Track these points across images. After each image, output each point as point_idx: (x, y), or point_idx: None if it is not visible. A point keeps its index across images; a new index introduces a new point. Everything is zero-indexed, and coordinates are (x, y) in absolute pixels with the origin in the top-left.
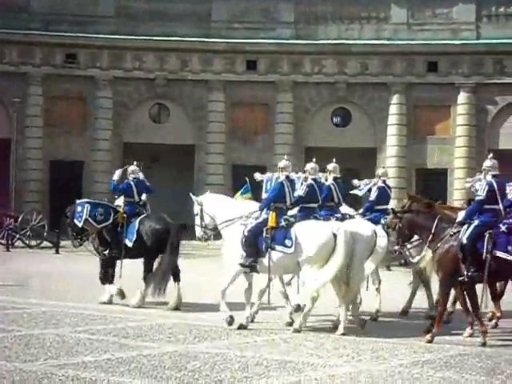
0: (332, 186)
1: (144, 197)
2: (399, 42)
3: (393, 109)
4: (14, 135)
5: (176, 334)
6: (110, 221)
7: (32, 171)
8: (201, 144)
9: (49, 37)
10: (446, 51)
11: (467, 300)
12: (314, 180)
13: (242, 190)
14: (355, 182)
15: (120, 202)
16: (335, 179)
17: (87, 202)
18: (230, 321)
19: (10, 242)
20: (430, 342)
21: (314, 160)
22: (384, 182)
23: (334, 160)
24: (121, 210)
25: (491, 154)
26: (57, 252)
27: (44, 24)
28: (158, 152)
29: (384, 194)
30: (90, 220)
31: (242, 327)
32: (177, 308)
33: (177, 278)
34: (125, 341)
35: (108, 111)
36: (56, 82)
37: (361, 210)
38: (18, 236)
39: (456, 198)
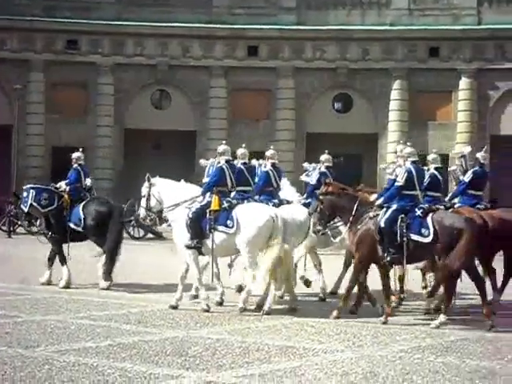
0: (270, 172)
1: (89, 181)
2: (401, 27)
3: (394, 94)
4: (15, 122)
5: (177, 319)
6: (55, 205)
7: (34, 158)
8: (202, 130)
9: (50, 23)
10: (448, 36)
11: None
12: (244, 164)
13: None
14: (305, 164)
15: (63, 184)
16: (327, 168)
17: (32, 188)
18: (207, 309)
19: (11, 228)
20: (337, 318)
21: (327, 151)
22: (327, 167)
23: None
24: (65, 194)
25: (409, 143)
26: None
27: (45, 10)
28: (160, 138)
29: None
30: (35, 205)
31: (172, 307)
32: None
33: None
34: (126, 327)
35: (109, 97)
36: (57, 69)
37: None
38: (19, 223)
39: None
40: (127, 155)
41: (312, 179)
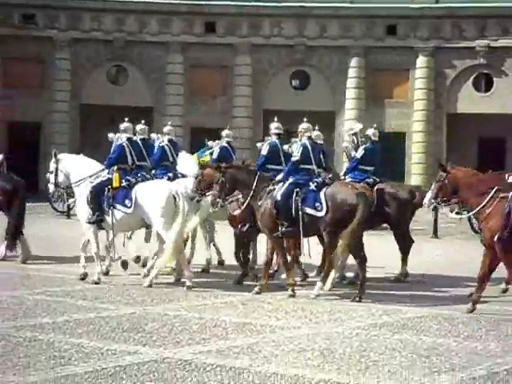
0: (166, 147)
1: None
2: (359, 5)
3: (352, 72)
4: None
5: (134, 295)
6: None
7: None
8: (159, 106)
9: None
10: (405, 15)
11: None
12: (142, 140)
13: (200, 152)
14: (209, 143)
15: None
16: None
17: None
18: (83, 277)
19: None
20: (258, 293)
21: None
22: (228, 142)
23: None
24: None
25: (305, 118)
26: None
27: None
28: (116, 113)
29: (227, 154)
30: None
31: (95, 283)
32: (25, 261)
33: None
34: (82, 302)
35: (66, 73)
36: (13, 43)
37: None
38: None
39: (414, 161)
40: (84, 131)
41: (214, 155)
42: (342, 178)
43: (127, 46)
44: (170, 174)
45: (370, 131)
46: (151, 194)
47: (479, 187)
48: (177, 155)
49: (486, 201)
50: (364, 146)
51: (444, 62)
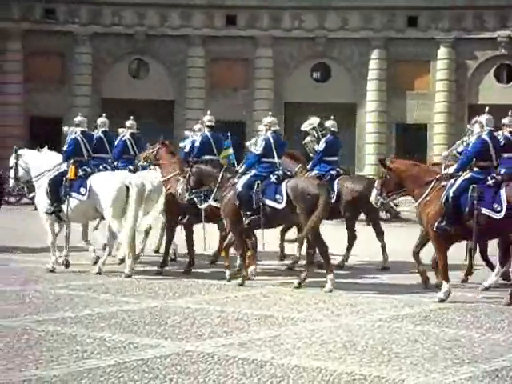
0: (128, 141)
1: None
2: None
3: (372, 64)
4: None
5: (156, 289)
6: None
7: (12, 127)
8: (180, 99)
9: None
10: (426, 6)
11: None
12: (105, 133)
13: (224, 145)
14: (187, 132)
15: None
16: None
17: None
18: (52, 269)
19: None
20: (241, 285)
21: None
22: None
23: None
24: None
25: (270, 112)
26: None
27: None
28: (137, 107)
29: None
30: None
31: (50, 271)
32: None
33: None
34: (105, 296)
35: (87, 67)
36: (35, 38)
37: None
38: None
39: (436, 152)
40: None
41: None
42: (309, 171)
43: (148, 40)
44: (131, 167)
45: (329, 123)
46: (104, 183)
47: (421, 178)
48: (141, 148)
49: (428, 191)
50: (325, 138)
51: (465, 53)
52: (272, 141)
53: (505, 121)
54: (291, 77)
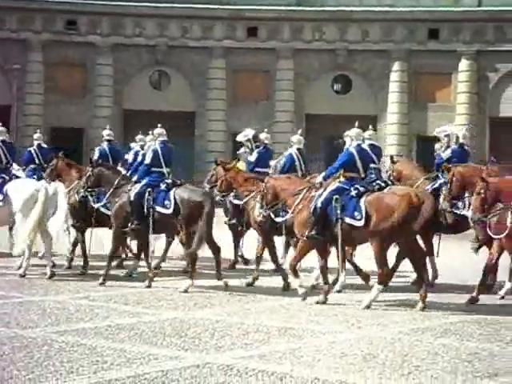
0: (33, 151)
1: None
2: (401, 8)
3: (394, 76)
4: (14, 102)
5: (176, 300)
6: None
7: (33, 138)
8: (201, 111)
9: (49, 3)
10: (448, 18)
11: None
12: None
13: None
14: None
15: None
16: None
17: None
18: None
19: None
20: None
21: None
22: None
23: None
24: None
25: (159, 124)
26: None
27: None
28: (159, 119)
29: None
30: None
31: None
32: None
33: None
34: (125, 307)
35: (108, 78)
36: (56, 49)
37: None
38: None
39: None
40: (126, 136)
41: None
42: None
43: (169, 52)
44: (36, 176)
45: (263, 135)
46: (19, 189)
47: (292, 189)
48: (48, 159)
49: (298, 200)
50: (257, 149)
51: (487, 65)
52: (160, 151)
53: (365, 134)
54: (312, 89)
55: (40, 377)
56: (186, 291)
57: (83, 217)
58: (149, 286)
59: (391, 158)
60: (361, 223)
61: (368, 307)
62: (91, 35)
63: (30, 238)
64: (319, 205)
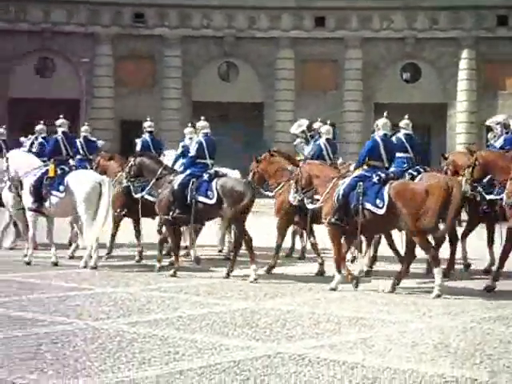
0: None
1: None
2: None
3: (462, 64)
4: (83, 96)
5: (246, 291)
6: None
7: (103, 131)
8: (269, 101)
9: None
10: None
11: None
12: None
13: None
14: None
15: None
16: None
17: None
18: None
19: None
20: (173, 275)
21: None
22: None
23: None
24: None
25: (203, 117)
26: None
27: None
28: (227, 110)
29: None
30: None
31: (27, 263)
32: None
33: None
34: (196, 298)
35: (177, 70)
36: (124, 42)
37: None
38: None
39: None
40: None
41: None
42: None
43: (237, 43)
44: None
45: (317, 125)
46: (79, 180)
47: (324, 177)
48: (93, 152)
49: (328, 188)
50: (313, 140)
51: None
52: (205, 144)
53: (401, 124)
54: (380, 78)
55: (112, 368)
56: (256, 279)
57: (128, 207)
58: (173, 275)
59: (442, 155)
60: (382, 211)
61: (439, 296)
62: (159, 28)
63: (100, 231)
64: (342, 192)
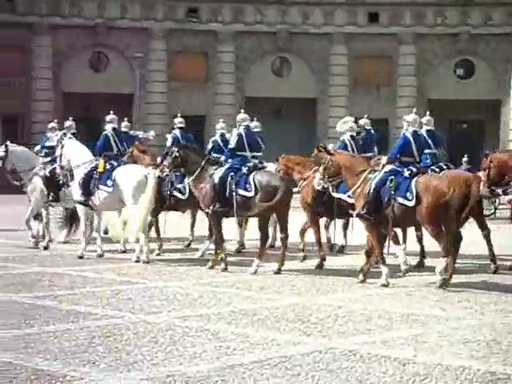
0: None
1: None
2: None
3: None
4: (136, 90)
5: (299, 286)
6: None
7: (155, 125)
8: (323, 97)
9: None
10: None
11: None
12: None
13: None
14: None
15: None
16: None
17: None
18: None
19: None
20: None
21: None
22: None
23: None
24: None
25: (242, 110)
26: None
27: None
28: (280, 105)
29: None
30: None
31: (79, 257)
32: None
33: None
34: (248, 293)
35: (230, 65)
36: (178, 37)
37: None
38: None
39: None
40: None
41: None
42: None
43: (290, 38)
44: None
45: (363, 121)
46: (127, 174)
47: (353, 169)
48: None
49: (360, 181)
50: (361, 134)
51: None
52: (244, 136)
53: (423, 120)
54: (434, 74)
55: (164, 361)
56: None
57: (157, 201)
58: (211, 268)
59: (486, 155)
60: (412, 203)
61: (444, 287)
62: (213, 23)
63: (145, 224)
64: (373, 186)
